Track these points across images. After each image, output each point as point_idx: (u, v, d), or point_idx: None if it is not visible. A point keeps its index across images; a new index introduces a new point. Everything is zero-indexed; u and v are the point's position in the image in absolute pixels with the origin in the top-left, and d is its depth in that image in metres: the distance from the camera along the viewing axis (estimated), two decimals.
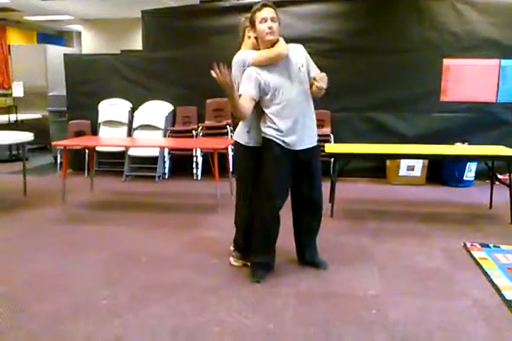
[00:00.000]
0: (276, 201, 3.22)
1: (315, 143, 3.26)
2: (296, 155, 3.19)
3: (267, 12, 3.01)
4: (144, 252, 3.84)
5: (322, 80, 3.06)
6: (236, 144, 3.36)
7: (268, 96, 3.11)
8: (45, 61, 9.04)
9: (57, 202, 5.35)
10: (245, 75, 3.10)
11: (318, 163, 3.33)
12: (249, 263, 3.47)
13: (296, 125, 3.12)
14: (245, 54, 3.17)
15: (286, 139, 3.13)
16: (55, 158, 7.54)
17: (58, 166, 7.16)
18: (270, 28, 3.01)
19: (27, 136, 5.54)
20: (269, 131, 3.15)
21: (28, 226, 4.56)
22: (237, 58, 3.19)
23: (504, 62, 6.30)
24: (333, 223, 4.62)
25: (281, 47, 3.06)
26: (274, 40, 3.07)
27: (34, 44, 13.73)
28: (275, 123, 3.13)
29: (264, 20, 3.01)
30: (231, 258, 3.60)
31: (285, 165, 3.18)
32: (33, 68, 9.06)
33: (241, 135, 3.31)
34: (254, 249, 3.36)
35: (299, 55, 3.17)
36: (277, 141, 3.14)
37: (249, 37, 3.26)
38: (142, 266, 3.55)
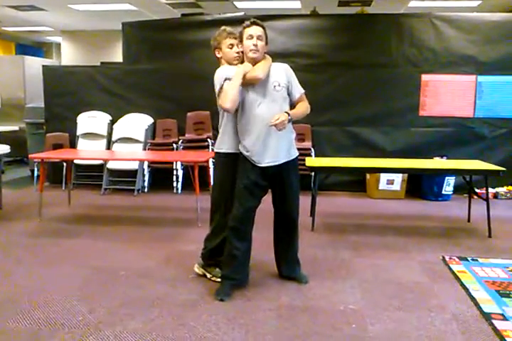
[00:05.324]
0: (238, 210, 3.22)
1: (281, 161, 3.22)
2: (263, 170, 3.21)
3: (255, 30, 3.09)
4: (122, 267, 3.78)
5: (276, 121, 3.03)
6: (215, 154, 3.42)
7: (239, 109, 3.18)
8: (23, 72, 8.94)
9: (33, 216, 5.25)
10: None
11: (291, 177, 3.31)
12: (208, 275, 3.53)
13: (257, 142, 3.15)
14: (227, 70, 3.21)
15: (248, 153, 3.18)
16: (32, 171, 7.41)
17: (35, 179, 7.05)
18: (255, 45, 3.07)
19: (3, 149, 5.44)
20: (239, 145, 3.24)
21: (4, 240, 4.46)
22: (219, 73, 3.24)
23: (480, 78, 6.43)
24: (313, 236, 4.62)
25: (257, 71, 3.09)
26: (256, 58, 3.12)
27: (12, 55, 13.62)
28: (242, 138, 3.21)
29: (251, 36, 3.08)
30: (196, 264, 3.62)
31: (252, 177, 3.19)
32: (10, 79, 8.95)
33: (219, 143, 3.36)
34: (222, 261, 3.37)
35: (279, 74, 3.19)
36: (244, 155, 3.21)
37: (219, 58, 3.36)
38: (120, 281, 3.49)
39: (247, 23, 3.12)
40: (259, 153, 3.16)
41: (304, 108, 3.27)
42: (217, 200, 3.42)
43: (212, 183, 3.48)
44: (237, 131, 3.25)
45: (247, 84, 3.11)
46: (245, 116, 3.16)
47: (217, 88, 3.24)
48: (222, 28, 3.35)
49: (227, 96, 3.06)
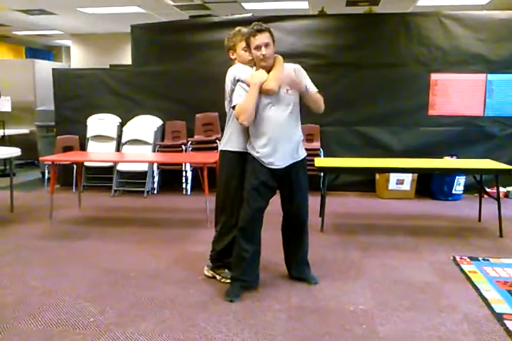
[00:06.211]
0: (246, 211, 3.22)
1: (290, 163, 3.23)
2: (272, 171, 3.21)
3: (261, 38, 3.04)
4: (132, 268, 3.79)
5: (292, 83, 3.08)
6: (221, 152, 3.40)
7: None
8: (33, 76, 9.01)
9: (44, 218, 5.29)
10: (242, 89, 3.14)
11: (300, 178, 3.31)
12: (217, 277, 3.53)
13: (268, 144, 3.15)
14: (239, 70, 3.21)
15: (258, 154, 3.19)
16: (43, 174, 7.48)
17: (46, 182, 7.10)
18: (263, 55, 3.05)
19: (14, 151, 5.49)
20: (248, 146, 3.25)
21: (16, 242, 4.49)
22: (231, 72, 3.25)
23: (490, 76, 6.39)
24: (323, 237, 4.61)
25: (272, 84, 3.08)
26: (267, 66, 3.12)
27: (22, 59, 13.73)
28: (253, 139, 3.21)
29: (259, 47, 3.05)
30: (205, 267, 3.62)
31: (261, 178, 3.19)
32: (20, 83, 9.02)
33: (226, 141, 3.35)
34: (231, 262, 3.36)
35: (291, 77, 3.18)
36: (253, 156, 3.21)
37: (233, 59, 3.36)
38: (130, 282, 3.51)
39: (251, 30, 3.06)
40: (269, 154, 3.17)
41: (320, 97, 3.25)
42: (222, 200, 3.40)
43: (217, 183, 3.46)
44: (246, 131, 3.25)
45: (261, 92, 3.11)
46: (258, 118, 3.15)
47: (228, 88, 3.25)
48: (237, 28, 3.31)
49: (248, 114, 3.08)
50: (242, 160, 3.27)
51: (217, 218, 3.47)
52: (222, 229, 3.42)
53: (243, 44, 3.22)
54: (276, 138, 3.15)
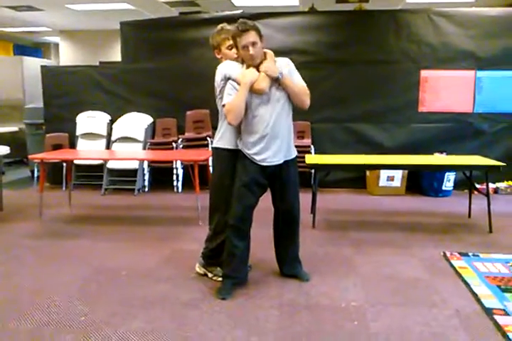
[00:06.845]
0: (237, 209, 3.21)
1: (281, 161, 3.23)
2: (263, 168, 3.21)
3: (247, 38, 2.99)
4: (124, 266, 3.78)
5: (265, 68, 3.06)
6: (214, 150, 3.38)
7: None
8: (22, 73, 8.92)
9: (34, 217, 5.26)
10: (232, 88, 3.11)
11: (290, 175, 3.31)
12: (209, 274, 3.53)
13: (259, 141, 3.14)
14: (229, 68, 3.18)
15: (250, 152, 3.18)
16: (32, 172, 7.42)
17: (35, 180, 7.06)
18: (251, 55, 3.02)
19: (3, 150, 5.44)
20: (239, 143, 3.23)
21: (5, 241, 4.46)
22: (221, 69, 3.22)
23: (479, 73, 6.42)
24: (314, 234, 4.62)
25: (263, 84, 3.05)
26: (255, 64, 3.09)
27: (10, 56, 13.60)
28: (244, 136, 3.20)
29: (245, 47, 3.02)
30: (197, 264, 3.61)
31: (252, 175, 3.19)
32: (9, 80, 8.93)
33: (219, 138, 3.33)
34: (223, 259, 3.36)
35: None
36: (244, 153, 3.20)
37: (219, 58, 3.33)
38: (122, 281, 3.50)
39: (236, 31, 3.01)
40: (261, 151, 3.16)
41: (301, 86, 3.18)
42: (217, 198, 3.38)
43: (211, 180, 3.44)
44: (239, 129, 3.24)
45: (252, 91, 3.09)
46: (249, 116, 3.14)
47: (218, 86, 3.22)
48: (220, 26, 3.29)
49: (236, 114, 3.05)
50: (235, 157, 3.26)
51: (211, 216, 3.45)
52: (217, 227, 3.40)
53: (227, 43, 3.19)
54: (269, 136, 3.14)
